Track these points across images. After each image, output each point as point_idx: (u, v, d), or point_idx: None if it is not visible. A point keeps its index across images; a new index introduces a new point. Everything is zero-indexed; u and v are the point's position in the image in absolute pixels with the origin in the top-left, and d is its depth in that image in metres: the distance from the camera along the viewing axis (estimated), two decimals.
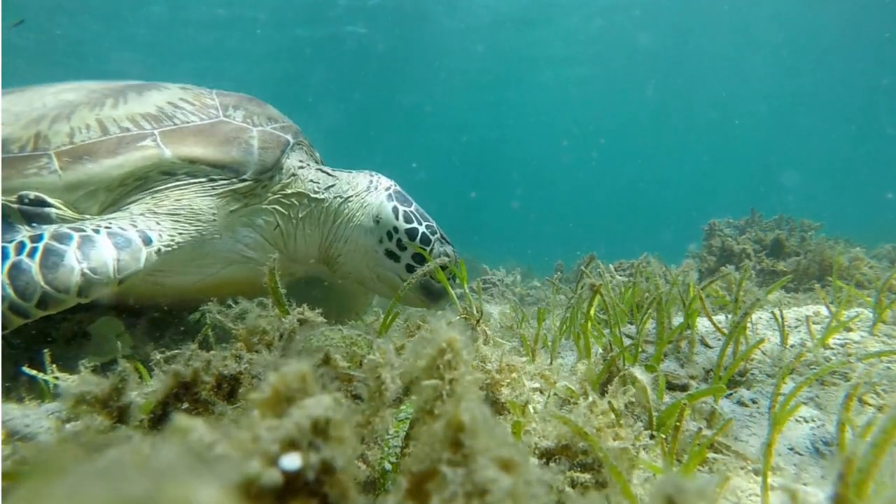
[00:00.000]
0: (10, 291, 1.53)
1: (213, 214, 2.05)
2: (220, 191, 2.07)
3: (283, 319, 1.40)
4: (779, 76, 29.32)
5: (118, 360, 1.10)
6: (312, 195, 2.30)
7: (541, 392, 1.38)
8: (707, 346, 2.12)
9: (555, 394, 1.36)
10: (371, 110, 37.06)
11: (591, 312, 1.90)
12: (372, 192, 2.38)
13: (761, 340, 1.70)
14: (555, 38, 22.62)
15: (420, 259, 2.29)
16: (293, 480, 0.54)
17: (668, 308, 2.10)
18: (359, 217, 2.34)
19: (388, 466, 0.89)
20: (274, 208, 2.22)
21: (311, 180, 2.32)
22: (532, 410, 1.22)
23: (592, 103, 35.73)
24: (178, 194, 2.01)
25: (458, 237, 2.55)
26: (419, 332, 1.50)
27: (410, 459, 0.62)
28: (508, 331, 2.31)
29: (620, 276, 3.51)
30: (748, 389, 1.75)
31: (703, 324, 2.26)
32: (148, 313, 2.29)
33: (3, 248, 1.61)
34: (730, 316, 2.33)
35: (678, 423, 1.23)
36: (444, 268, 2.26)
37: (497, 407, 1.27)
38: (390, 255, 2.31)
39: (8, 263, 1.57)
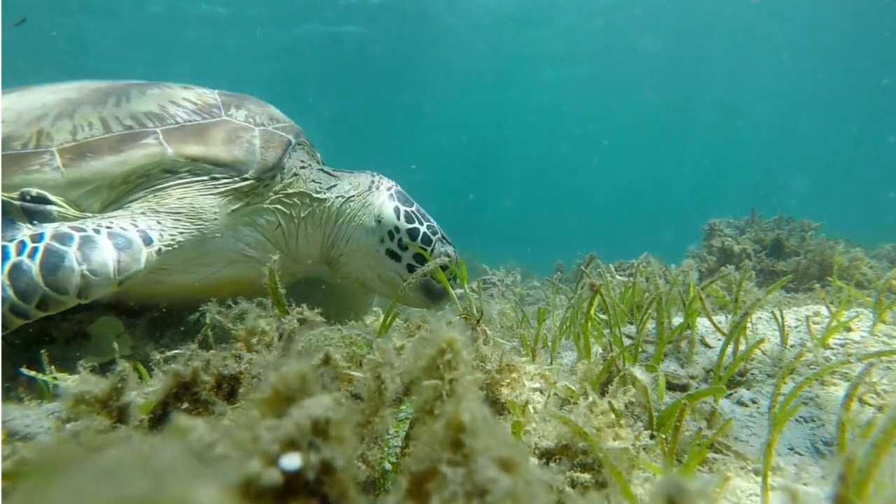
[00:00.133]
0: (11, 293, 1.53)
1: (215, 213, 2.05)
2: (223, 189, 2.07)
3: (282, 319, 1.40)
4: (780, 76, 29.33)
5: (117, 360, 1.10)
6: (314, 195, 2.30)
7: (541, 392, 1.38)
8: (707, 346, 2.12)
9: (555, 394, 1.36)
10: (371, 110, 37.07)
11: (591, 312, 1.90)
12: (373, 192, 2.39)
13: (761, 340, 1.70)
14: (555, 38, 22.63)
15: (421, 259, 2.29)
16: (293, 480, 0.54)
17: (668, 308, 2.10)
18: (360, 217, 2.34)
19: (388, 466, 0.89)
20: (275, 208, 2.22)
21: (313, 180, 2.33)
22: (532, 410, 1.22)
23: (593, 103, 35.73)
24: (181, 192, 2.01)
25: (458, 237, 2.55)
26: (419, 332, 1.50)
27: (410, 459, 0.62)
28: (508, 331, 2.30)
29: (620, 276, 3.51)
30: (748, 389, 1.75)
31: (703, 324, 2.25)
32: (148, 313, 2.29)
33: (4, 247, 1.61)
34: (730, 316, 2.33)
35: (678, 423, 1.23)
36: (444, 268, 2.26)
37: (497, 407, 1.27)
38: (391, 254, 2.32)
39: (8, 264, 1.57)
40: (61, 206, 1.88)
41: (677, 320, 2.23)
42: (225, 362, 1.13)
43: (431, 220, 2.40)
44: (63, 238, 1.66)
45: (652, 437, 1.29)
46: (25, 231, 1.73)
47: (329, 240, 2.36)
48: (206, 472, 0.50)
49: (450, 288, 2.08)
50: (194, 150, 2.04)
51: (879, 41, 23.19)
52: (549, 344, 2.04)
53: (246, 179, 2.11)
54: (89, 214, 1.93)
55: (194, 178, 2.04)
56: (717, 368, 1.73)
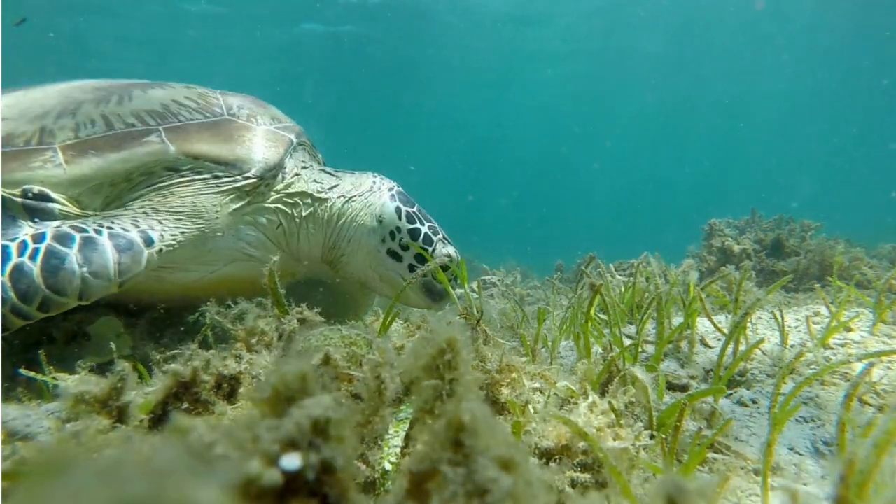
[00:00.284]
0: (12, 294, 1.54)
1: (217, 212, 2.06)
2: (224, 188, 2.07)
3: (282, 320, 1.40)
4: (780, 77, 29.32)
5: (115, 360, 1.10)
6: (316, 194, 2.31)
7: (541, 392, 1.38)
8: (707, 346, 2.12)
9: (555, 394, 1.36)
10: (370, 109, 37.06)
11: (592, 312, 1.90)
12: (375, 193, 2.39)
13: (761, 340, 1.70)
14: (555, 37, 22.63)
15: (422, 260, 2.29)
16: (293, 480, 0.54)
17: (668, 308, 2.10)
18: (362, 217, 2.34)
19: (388, 466, 0.89)
20: (277, 207, 2.23)
21: (315, 180, 2.33)
22: (532, 410, 1.22)
23: (593, 102, 35.72)
24: (183, 191, 2.01)
25: (458, 237, 2.55)
26: (419, 332, 1.51)
27: (410, 459, 0.62)
28: (508, 331, 2.31)
29: (620, 276, 3.51)
30: (748, 389, 1.75)
31: (703, 324, 2.25)
32: (148, 313, 2.29)
33: (6, 247, 1.61)
34: (730, 316, 2.33)
35: (678, 423, 1.23)
36: (445, 268, 2.26)
37: (497, 407, 1.27)
38: (393, 255, 2.32)
39: (10, 265, 1.57)
40: (63, 204, 1.89)
41: (677, 320, 2.23)
42: (225, 362, 1.13)
43: (433, 220, 2.40)
44: (64, 239, 1.66)
45: (652, 437, 1.29)
46: (27, 229, 1.73)
47: (330, 240, 2.36)
48: (206, 472, 0.50)
49: (450, 288, 2.08)
50: (197, 147, 2.04)
51: (880, 41, 23.19)
52: (550, 344, 2.04)
53: (248, 178, 2.11)
54: (91, 212, 1.93)
55: (196, 177, 2.05)
56: (717, 368, 1.73)
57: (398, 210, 2.33)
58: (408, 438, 0.91)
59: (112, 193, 1.98)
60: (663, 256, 4.46)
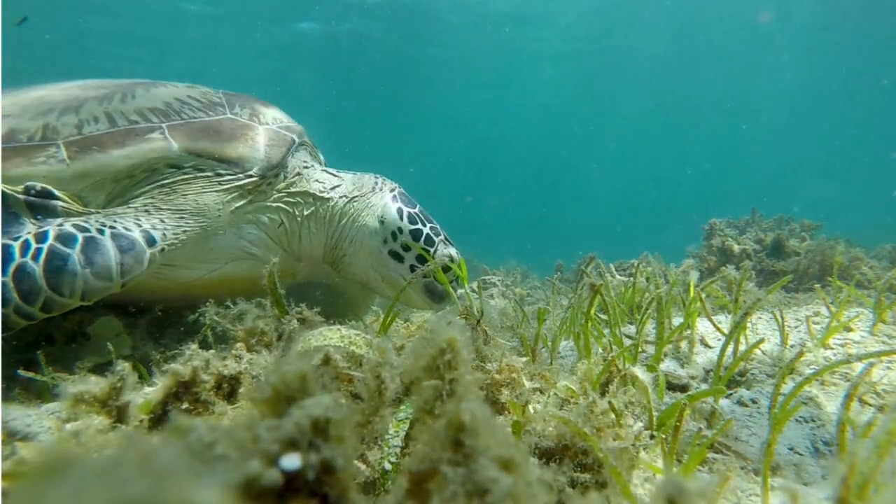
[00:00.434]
0: (15, 295, 1.54)
1: (219, 210, 2.06)
2: (227, 186, 2.08)
3: (282, 320, 1.40)
4: (781, 77, 29.32)
5: (114, 360, 1.10)
6: (318, 194, 2.31)
7: (541, 392, 1.38)
8: (707, 346, 2.12)
9: (555, 394, 1.36)
10: (370, 108, 37.05)
11: (592, 312, 1.90)
12: (377, 193, 2.39)
13: (761, 340, 1.70)
14: (555, 37, 22.63)
15: (424, 261, 2.29)
16: (293, 480, 0.54)
17: (668, 308, 2.10)
18: (363, 217, 2.34)
19: (388, 466, 0.89)
20: (279, 206, 2.23)
21: (317, 180, 2.33)
22: (532, 410, 1.22)
23: (593, 102, 35.72)
24: (185, 188, 2.02)
25: (458, 237, 2.55)
26: (419, 332, 1.50)
27: (410, 459, 0.62)
28: (508, 331, 2.31)
29: (621, 276, 3.51)
30: (748, 389, 1.75)
31: (703, 324, 2.25)
32: (148, 313, 2.29)
33: (9, 247, 1.61)
34: (730, 316, 2.33)
35: (678, 423, 1.22)
36: (446, 269, 2.26)
37: (497, 407, 1.27)
38: (394, 255, 2.32)
39: (13, 266, 1.57)
40: (65, 201, 1.89)
41: (677, 320, 2.23)
42: (225, 362, 1.13)
43: (434, 221, 2.40)
44: (67, 239, 1.66)
45: (652, 437, 1.30)
46: (30, 227, 1.73)
47: (332, 240, 2.36)
48: (207, 472, 0.49)
49: (451, 289, 2.08)
50: (199, 145, 2.05)
51: (880, 41, 23.19)
52: (550, 344, 2.04)
53: (250, 176, 2.11)
54: (93, 210, 1.93)
55: (199, 174, 2.05)
56: (717, 368, 1.73)
57: (400, 211, 2.34)
58: (408, 438, 0.91)
59: (115, 190, 1.99)
60: (663, 256, 4.47)
